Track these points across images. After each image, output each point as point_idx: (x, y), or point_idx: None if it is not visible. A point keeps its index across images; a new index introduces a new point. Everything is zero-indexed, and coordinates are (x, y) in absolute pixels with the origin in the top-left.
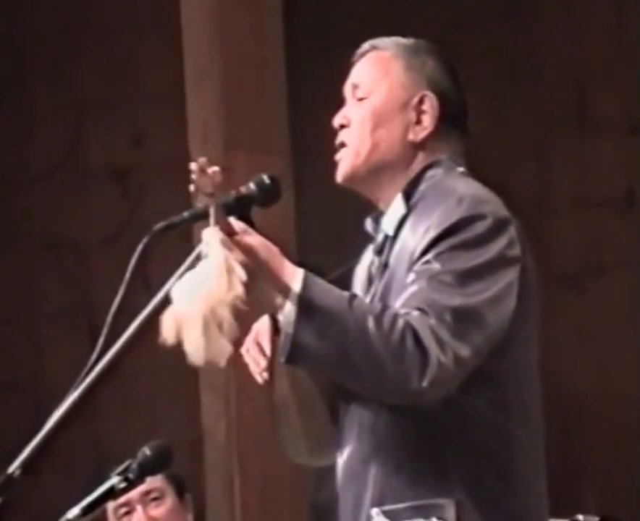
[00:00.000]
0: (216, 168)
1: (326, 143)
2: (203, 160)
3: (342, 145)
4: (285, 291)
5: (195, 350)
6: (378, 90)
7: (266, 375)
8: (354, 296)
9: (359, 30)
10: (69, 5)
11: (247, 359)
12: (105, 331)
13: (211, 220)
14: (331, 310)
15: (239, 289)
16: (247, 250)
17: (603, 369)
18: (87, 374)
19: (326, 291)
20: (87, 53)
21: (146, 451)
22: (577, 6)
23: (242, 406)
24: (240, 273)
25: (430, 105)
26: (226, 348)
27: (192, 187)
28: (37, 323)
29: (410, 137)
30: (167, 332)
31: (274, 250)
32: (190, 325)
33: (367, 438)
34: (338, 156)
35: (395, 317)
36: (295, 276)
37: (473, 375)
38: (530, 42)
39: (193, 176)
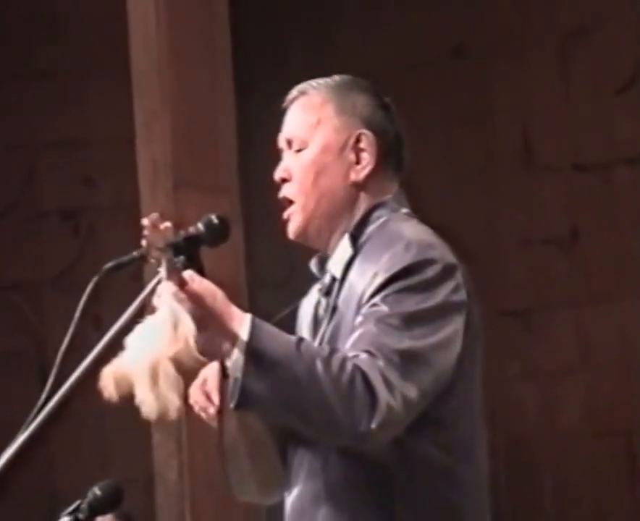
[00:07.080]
0: (168, 224)
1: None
2: (154, 216)
3: (287, 200)
4: (233, 337)
5: (144, 405)
6: (313, 140)
7: (215, 423)
8: (301, 339)
9: (310, 71)
10: (17, 47)
11: (195, 408)
12: (54, 370)
13: (163, 274)
14: (279, 355)
15: (183, 343)
16: (195, 298)
17: (551, 406)
18: (37, 414)
19: (274, 336)
20: (36, 94)
21: (96, 491)
22: (523, 51)
23: (193, 445)
24: (188, 326)
25: (367, 142)
26: (174, 402)
27: (143, 242)
28: None
29: (352, 177)
30: (106, 388)
31: (220, 295)
32: (138, 380)
33: (317, 479)
34: (286, 214)
35: (344, 360)
36: (242, 322)
37: (419, 418)
38: (478, 84)
39: (145, 232)
